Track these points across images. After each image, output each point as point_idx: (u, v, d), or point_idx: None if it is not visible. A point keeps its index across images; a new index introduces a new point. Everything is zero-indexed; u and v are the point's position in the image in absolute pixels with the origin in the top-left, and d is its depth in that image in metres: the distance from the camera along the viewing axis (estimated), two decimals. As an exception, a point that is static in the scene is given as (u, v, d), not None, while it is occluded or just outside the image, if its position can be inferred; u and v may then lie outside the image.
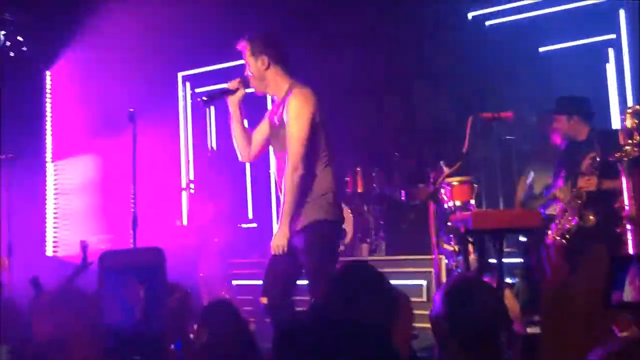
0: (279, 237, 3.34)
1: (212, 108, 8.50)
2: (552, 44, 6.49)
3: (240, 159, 3.81)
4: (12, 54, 6.82)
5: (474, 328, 1.90)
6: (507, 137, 5.92)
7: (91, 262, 3.93)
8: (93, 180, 7.38)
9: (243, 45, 3.49)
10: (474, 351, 1.90)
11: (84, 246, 3.95)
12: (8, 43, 6.77)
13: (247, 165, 8.27)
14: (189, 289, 3.23)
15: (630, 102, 5.52)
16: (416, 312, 5.11)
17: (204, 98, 3.60)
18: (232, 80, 3.57)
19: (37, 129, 7.24)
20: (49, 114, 7.16)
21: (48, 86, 7.20)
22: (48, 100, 7.18)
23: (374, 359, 1.34)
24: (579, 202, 4.47)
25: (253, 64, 3.46)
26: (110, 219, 7.17)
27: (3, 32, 6.79)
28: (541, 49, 6.57)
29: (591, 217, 4.42)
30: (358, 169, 6.48)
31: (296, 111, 3.31)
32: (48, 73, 7.25)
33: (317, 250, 3.33)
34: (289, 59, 3.53)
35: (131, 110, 4.24)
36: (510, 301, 4.23)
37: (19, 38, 6.83)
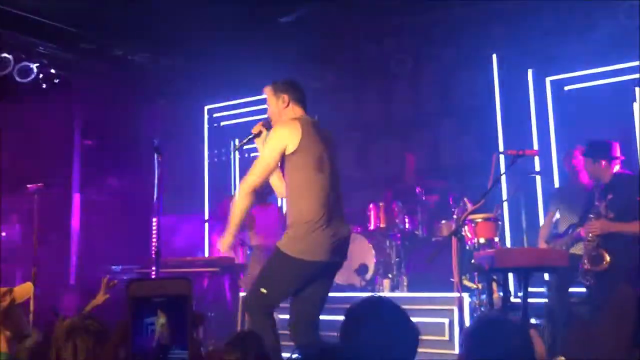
0: (221, 240, 3.65)
1: (237, 141, 8.67)
2: (579, 82, 6.48)
3: (277, 195, 4.03)
4: (44, 86, 7.00)
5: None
6: (532, 174, 5.88)
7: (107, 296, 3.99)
8: (118, 211, 7.46)
9: (268, 89, 3.80)
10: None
11: (104, 283, 4.00)
12: (41, 75, 6.95)
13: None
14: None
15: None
16: (438, 351, 5.12)
17: (237, 146, 3.99)
18: (256, 125, 3.86)
19: (66, 159, 7.38)
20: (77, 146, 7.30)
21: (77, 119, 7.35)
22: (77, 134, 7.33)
23: None
24: (591, 244, 4.44)
25: (274, 103, 3.73)
26: (134, 249, 7.22)
27: (36, 65, 6.98)
28: (567, 87, 6.57)
29: (607, 258, 4.35)
30: (381, 204, 6.44)
31: (270, 137, 3.58)
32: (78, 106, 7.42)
33: (267, 269, 3.58)
34: (306, 98, 3.83)
35: (156, 141, 4.32)
36: (537, 341, 4.13)
37: (52, 70, 7.01)
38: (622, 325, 3.86)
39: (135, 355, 0.80)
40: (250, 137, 3.84)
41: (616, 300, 4.05)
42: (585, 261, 4.40)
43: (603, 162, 4.73)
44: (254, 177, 3.51)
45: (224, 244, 3.62)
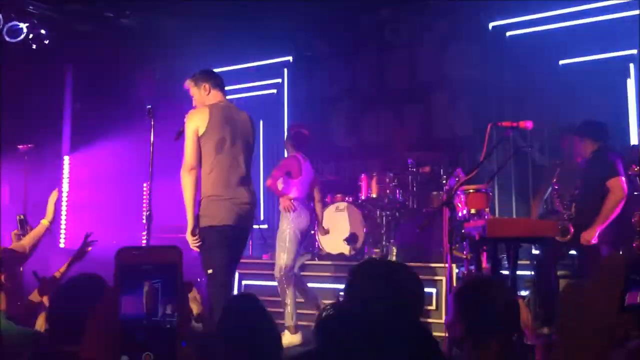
0: (187, 233, 3.98)
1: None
2: (573, 57, 6.47)
3: None
4: (34, 47, 6.88)
5: (488, 324, 1.90)
6: (525, 147, 5.90)
7: (86, 251, 4.06)
8: (109, 175, 7.42)
9: (189, 82, 4.24)
10: (489, 350, 1.89)
11: (85, 235, 4.08)
12: (31, 35, 6.82)
13: (261, 168, 8.32)
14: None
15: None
16: (426, 320, 5.19)
17: (176, 135, 4.24)
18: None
19: (56, 121, 7.30)
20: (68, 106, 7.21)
21: (68, 79, 7.25)
22: (68, 94, 7.23)
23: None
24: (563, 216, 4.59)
25: (197, 92, 4.20)
26: (124, 213, 7.21)
27: (26, 25, 6.85)
28: (561, 62, 6.56)
29: (570, 231, 4.58)
30: (373, 174, 6.47)
31: (186, 122, 4.06)
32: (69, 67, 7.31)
33: (201, 253, 3.98)
34: (224, 83, 4.29)
35: (149, 106, 4.36)
36: (523, 309, 4.20)
37: (42, 31, 6.89)
38: (609, 290, 3.93)
39: (122, 323, 0.81)
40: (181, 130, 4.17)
41: (600, 266, 4.13)
42: (556, 232, 4.51)
43: (589, 141, 4.83)
44: (185, 158, 3.98)
45: (189, 235, 3.96)
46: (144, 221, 6.49)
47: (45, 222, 4.21)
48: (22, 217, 4.34)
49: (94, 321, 0.84)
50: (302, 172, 5.58)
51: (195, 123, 3.99)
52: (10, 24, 6.73)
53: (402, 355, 1.41)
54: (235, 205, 4.01)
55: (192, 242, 3.96)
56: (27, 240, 4.09)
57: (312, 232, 6.55)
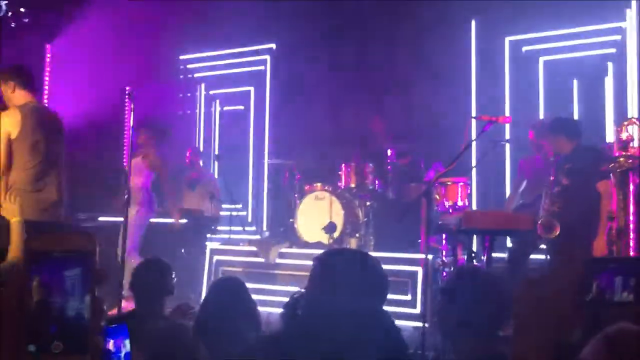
0: None
1: (218, 102, 8.61)
2: (554, 54, 6.57)
3: None
4: (12, 25, 6.75)
5: (475, 319, 1.93)
6: (503, 141, 5.97)
7: None
8: (88, 159, 7.34)
9: None
10: (475, 344, 1.92)
11: None
12: (9, 13, 6.69)
13: (250, 154, 8.35)
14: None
15: (630, 114, 5.59)
16: (400, 309, 5.24)
17: None
18: None
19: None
20: (46, 87, 7.09)
21: (47, 59, 7.14)
22: (46, 73, 7.12)
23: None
24: (548, 212, 4.61)
25: (3, 89, 4.26)
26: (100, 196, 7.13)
27: (5, 2, 6.71)
28: (542, 58, 6.64)
29: (557, 229, 4.51)
30: (352, 164, 6.49)
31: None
32: (48, 46, 7.19)
33: None
34: (34, 82, 4.39)
35: (128, 88, 4.33)
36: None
37: (21, 9, 6.76)
38: (567, 285, 4.01)
39: (31, 312, 0.79)
40: None
41: (570, 264, 4.21)
42: (539, 227, 4.54)
43: (562, 138, 4.87)
44: None
45: None
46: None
47: None
48: None
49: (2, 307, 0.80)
50: None
51: (7, 127, 4.08)
52: (-12, 1, 6.59)
53: (364, 342, 1.43)
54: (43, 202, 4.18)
55: None
56: None
57: (291, 220, 6.58)
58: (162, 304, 3.27)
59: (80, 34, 7.15)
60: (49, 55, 7.11)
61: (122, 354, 1.83)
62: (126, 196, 4.45)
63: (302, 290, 1.90)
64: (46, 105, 4.51)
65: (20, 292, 0.79)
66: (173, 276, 3.36)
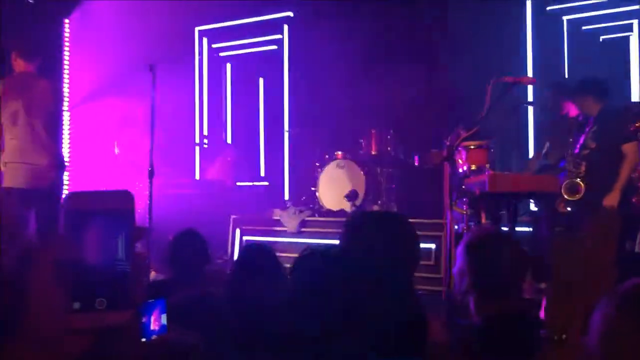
0: None
1: (229, 66, 8.56)
2: (579, 12, 6.41)
3: None
4: (31, 0, 6.76)
5: (496, 279, 1.93)
6: (526, 103, 5.88)
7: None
8: (108, 131, 7.40)
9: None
10: (495, 303, 1.92)
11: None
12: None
13: (261, 124, 8.33)
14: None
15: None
16: (424, 275, 5.26)
17: None
18: None
19: (53, 77, 7.22)
20: (66, 62, 7.11)
21: (66, 34, 7.13)
22: (66, 49, 7.13)
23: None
24: (573, 174, 4.51)
25: (12, 58, 4.59)
26: (124, 169, 7.21)
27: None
28: (565, 17, 6.49)
29: (582, 190, 4.42)
30: (373, 131, 6.46)
31: None
32: (66, 21, 7.18)
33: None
34: (31, 50, 4.65)
35: (150, 64, 4.39)
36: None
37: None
38: (605, 244, 3.99)
39: (74, 269, 0.79)
40: None
41: (598, 221, 4.16)
42: (563, 189, 4.49)
43: (590, 99, 4.77)
44: None
45: None
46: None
47: None
48: None
49: (41, 268, 0.82)
50: None
51: None
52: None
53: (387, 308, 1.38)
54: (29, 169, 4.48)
55: None
56: None
57: (313, 188, 6.59)
58: (201, 273, 3.31)
59: (97, 8, 7.15)
60: (67, 30, 7.10)
61: (158, 328, 1.87)
62: (150, 168, 4.55)
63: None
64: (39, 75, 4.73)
65: (64, 250, 0.80)
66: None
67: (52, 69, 7.16)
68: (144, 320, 1.71)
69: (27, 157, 4.47)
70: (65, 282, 0.78)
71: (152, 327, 1.80)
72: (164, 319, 1.83)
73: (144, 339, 1.67)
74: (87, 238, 0.79)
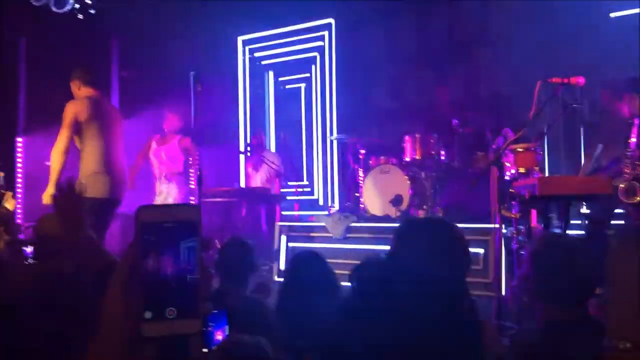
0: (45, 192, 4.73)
1: (271, 74, 8.65)
2: (625, 9, 6.23)
3: None
4: (80, 17, 6.97)
5: (561, 286, 1.89)
6: (575, 104, 5.74)
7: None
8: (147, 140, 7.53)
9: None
10: (560, 309, 1.88)
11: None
12: (77, 5, 6.91)
13: (303, 132, 8.39)
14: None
15: None
16: (472, 279, 5.19)
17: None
18: None
19: (103, 91, 7.42)
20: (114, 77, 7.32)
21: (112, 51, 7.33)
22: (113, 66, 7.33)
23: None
24: (629, 176, 4.37)
25: (72, 87, 5.02)
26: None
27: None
28: (612, 14, 6.33)
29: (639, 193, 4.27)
30: (417, 135, 6.41)
31: (64, 111, 4.84)
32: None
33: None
34: (96, 78, 5.15)
35: (193, 73, 4.49)
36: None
37: (88, 1, 6.97)
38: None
39: (146, 279, 0.82)
40: None
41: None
42: (620, 192, 4.37)
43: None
44: (56, 142, 4.77)
45: (46, 195, 4.67)
46: (192, 186, 6.63)
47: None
48: None
49: (116, 277, 0.85)
50: None
51: (73, 113, 4.80)
52: (56, -6, 6.82)
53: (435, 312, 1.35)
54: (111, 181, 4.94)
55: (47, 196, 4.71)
56: None
57: (357, 194, 6.59)
58: (247, 281, 3.35)
59: (144, 23, 7.32)
60: (116, 45, 7.30)
61: (222, 338, 1.89)
62: (199, 174, 4.72)
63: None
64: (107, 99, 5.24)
65: (135, 261, 0.83)
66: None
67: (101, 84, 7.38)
68: (209, 329, 1.74)
69: (109, 168, 4.95)
70: (139, 291, 0.81)
71: (216, 338, 1.82)
72: (227, 330, 1.86)
73: (205, 350, 1.70)
74: (160, 249, 0.82)
